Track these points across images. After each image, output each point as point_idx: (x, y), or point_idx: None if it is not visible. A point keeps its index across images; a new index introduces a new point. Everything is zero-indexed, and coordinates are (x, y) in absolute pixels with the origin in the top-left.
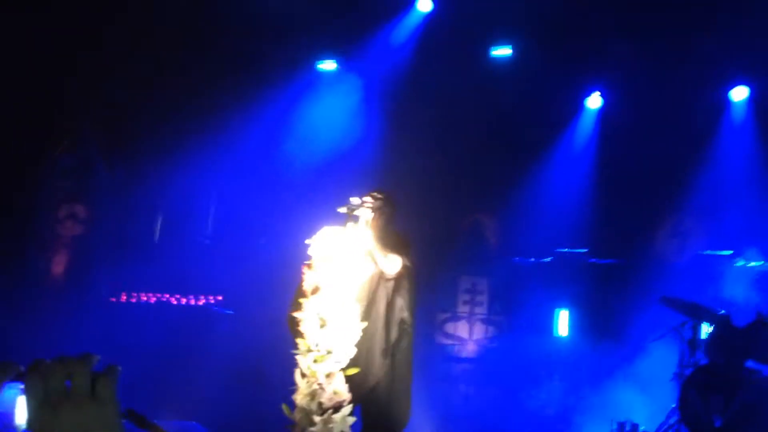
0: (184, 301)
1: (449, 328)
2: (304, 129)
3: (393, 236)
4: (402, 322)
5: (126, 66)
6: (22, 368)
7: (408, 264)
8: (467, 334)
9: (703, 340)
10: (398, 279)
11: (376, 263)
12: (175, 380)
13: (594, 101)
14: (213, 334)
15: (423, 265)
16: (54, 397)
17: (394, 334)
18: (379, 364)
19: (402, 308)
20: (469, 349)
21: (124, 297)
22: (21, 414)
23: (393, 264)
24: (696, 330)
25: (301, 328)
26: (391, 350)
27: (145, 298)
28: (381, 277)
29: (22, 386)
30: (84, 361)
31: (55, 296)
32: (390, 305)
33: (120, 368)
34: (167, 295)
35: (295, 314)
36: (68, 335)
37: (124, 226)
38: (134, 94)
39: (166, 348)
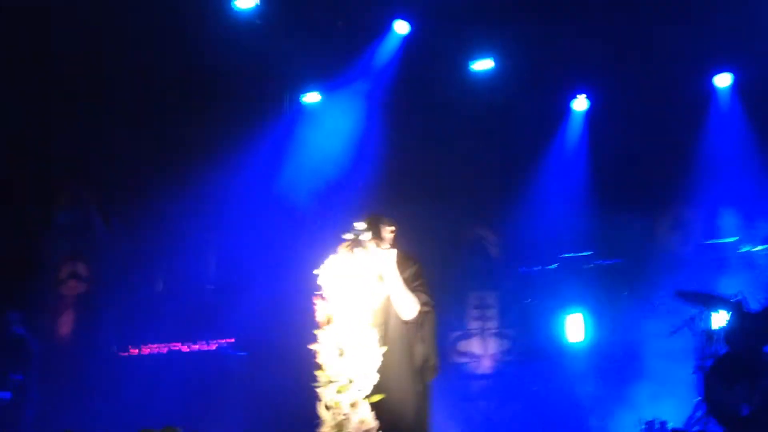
0: (196, 347)
1: (462, 345)
2: (297, 163)
3: (404, 263)
4: (430, 369)
5: (117, 122)
6: None
7: (428, 306)
8: (481, 350)
9: (720, 329)
10: (417, 323)
11: (392, 303)
12: (197, 426)
13: (580, 104)
14: (229, 376)
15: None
16: None
17: (419, 382)
18: (410, 414)
19: (426, 356)
20: (485, 365)
21: (135, 350)
22: None
23: (410, 307)
24: (712, 320)
25: (319, 359)
26: (419, 397)
27: (156, 350)
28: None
29: None
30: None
31: (65, 358)
32: (412, 352)
33: None
34: (178, 344)
35: (312, 346)
36: (82, 395)
37: (127, 280)
38: (127, 148)
39: (182, 395)
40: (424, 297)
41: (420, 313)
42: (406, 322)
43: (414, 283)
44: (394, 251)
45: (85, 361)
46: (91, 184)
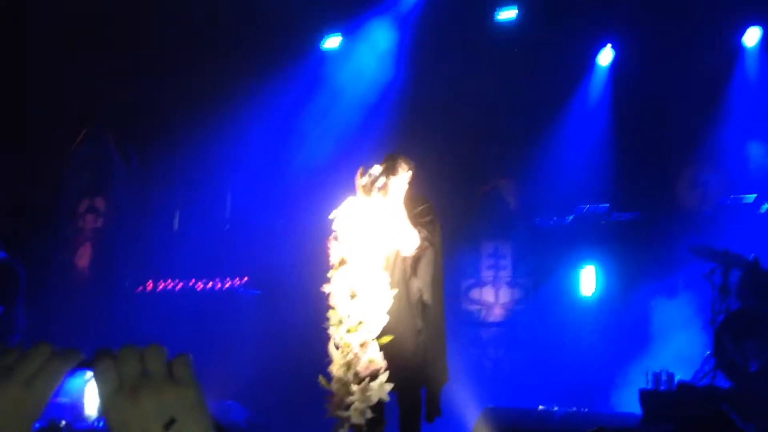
0: (210, 285)
1: (475, 293)
2: (316, 108)
3: (415, 202)
4: (422, 305)
5: (136, 58)
6: (85, 356)
7: (427, 242)
8: (493, 299)
9: (733, 285)
10: (415, 258)
11: (394, 239)
12: (209, 362)
13: (605, 56)
14: (242, 314)
15: (444, 232)
16: (131, 383)
17: (418, 319)
18: (411, 349)
19: (420, 290)
20: (497, 314)
21: (150, 286)
22: (91, 403)
23: (409, 242)
24: (726, 276)
25: (331, 300)
26: (420, 334)
27: (171, 285)
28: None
29: (89, 376)
30: (156, 347)
31: (81, 290)
32: (409, 287)
33: (191, 355)
34: (192, 281)
35: (324, 288)
36: (97, 328)
37: (144, 216)
38: (146, 84)
39: (196, 332)
40: (425, 233)
41: (418, 248)
42: (405, 259)
43: (418, 220)
44: (405, 187)
45: (100, 294)
46: (110, 120)
